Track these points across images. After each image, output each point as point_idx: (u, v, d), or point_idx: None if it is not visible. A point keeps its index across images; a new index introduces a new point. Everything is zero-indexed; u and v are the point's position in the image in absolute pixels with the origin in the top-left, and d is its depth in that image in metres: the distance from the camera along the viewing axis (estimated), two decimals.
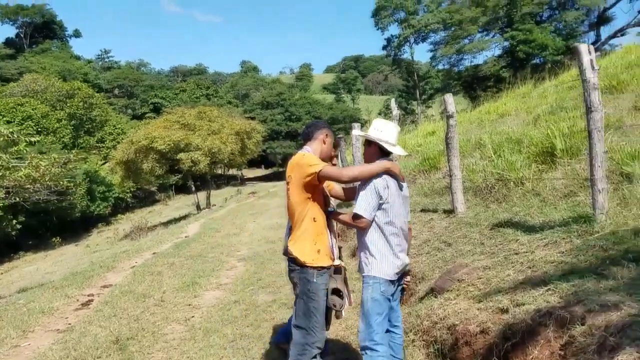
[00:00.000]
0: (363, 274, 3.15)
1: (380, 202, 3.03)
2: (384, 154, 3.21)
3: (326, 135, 3.35)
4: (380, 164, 3.07)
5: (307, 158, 3.14)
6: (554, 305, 3.03)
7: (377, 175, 3.04)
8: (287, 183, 3.23)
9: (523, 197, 5.48)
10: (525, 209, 5.09)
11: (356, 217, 3.05)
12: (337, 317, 3.30)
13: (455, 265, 4.44)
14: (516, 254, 4.07)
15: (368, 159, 3.26)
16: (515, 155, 6.42)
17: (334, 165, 3.45)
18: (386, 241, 3.09)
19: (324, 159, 3.23)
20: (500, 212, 5.32)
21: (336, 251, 3.22)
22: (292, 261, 3.17)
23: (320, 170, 3.01)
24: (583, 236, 3.83)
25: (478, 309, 3.59)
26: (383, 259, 3.08)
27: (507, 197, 5.71)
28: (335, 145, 3.23)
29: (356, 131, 3.41)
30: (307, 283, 3.10)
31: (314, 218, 3.13)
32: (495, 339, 3.25)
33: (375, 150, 3.22)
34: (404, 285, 3.34)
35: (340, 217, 3.25)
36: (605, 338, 2.50)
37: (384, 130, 3.21)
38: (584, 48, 3.90)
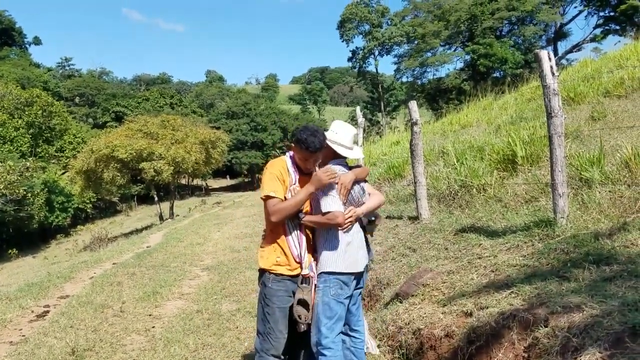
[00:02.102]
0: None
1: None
2: (339, 156, 3.14)
3: (292, 147, 3.15)
4: (308, 190, 2.94)
5: (267, 172, 3.06)
6: (518, 307, 3.05)
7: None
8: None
9: (486, 203, 5.56)
10: (488, 214, 5.16)
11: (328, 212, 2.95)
12: (298, 329, 3.04)
13: (420, 271, 4.45)
14: (480, 258, 4.11)
15: (322, 160, 3.12)
16: (477, 162, 6.53)
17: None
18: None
19: (305, 167, 3.07)
20: (464, 218, 5.39)
21: (306, 260, 3.05)
22: (259, 267, 3.17)
23: (264, 197, 2.99)
24: (545, 240, 3.89)
25: (443, 313, 3.60)
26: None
27: (470, 203, 5.79)
28: (310, 152, 3.07)
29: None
30: (263, 287, 3.09)
31: (274, 226, 3.08)
32: (460, 343, 3.25)
33: (328, 153, 3.11)
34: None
35: (310, 218, 3.04)
36: (568, 339, 2.52)
37: (339, 132, 3.15)
38: (544, 55, 3.99)
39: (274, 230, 3.07)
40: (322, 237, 3.05)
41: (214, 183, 63.27)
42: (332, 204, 2.92)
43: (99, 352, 4.86)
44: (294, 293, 3.05)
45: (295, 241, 3.05)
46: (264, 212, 3.07)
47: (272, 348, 3.01)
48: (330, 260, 3.00)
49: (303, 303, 2.98)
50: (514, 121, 8.44)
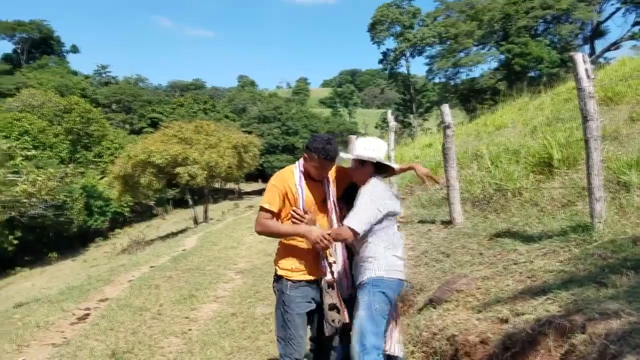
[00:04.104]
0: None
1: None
2: (379, 171, 3.16)
3: (304, 158, 3.15)
4: (296, 230, 3.02)
5: (270, 184, 3.13)
6: (554, 314, 3.01)
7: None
8: None
9: (521, 207, 5.47)
10: (523, 218, 5.09)
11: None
12: (328, 332, 3.16)
13: (454, 276, 4.42)
14: (515, 263, 4.06)
15: (361, 178, 3.15)
16: (512, 165, 6.43)
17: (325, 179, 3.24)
18: None
19: (315, 177, 3.12)
20: (499, 222, 5.32)
21: (327, 266, 3.11)
22: (275, 272, 3.24)
23: (260, 207, 3.09)
24: (582, 245, 3.82)
25: (477, 320, 3.57)
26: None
27: (505, 207, 5.71)
28: (328, 160, 3.11)
29: (345, 155, 3.32)
30: (281, 294, 3.14)
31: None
32: (495, 349, 3.22)
33: (369, 170, 3.13)
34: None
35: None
36: (606, 346, 2.48)
37: (375, 149, 3.14)
38: (579, 57, 3.92)
39: (291, 237, 3.13)
40: (366, 243, 3.07)
41: (247, 187, 63.89)
42: (356, 219, 2.95)
43: (138, 355, 4.99)
44: (312, 298, 3.12)
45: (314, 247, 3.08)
46: None
47: (295, 352, 3.09)
48: (375, 266, 3.02)
49: (334, 307, 3.03)
50: (550, 122, 8.28)
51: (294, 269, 3.11)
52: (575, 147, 5.79)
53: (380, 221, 3.02)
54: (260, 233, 3.13)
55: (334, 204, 3.20)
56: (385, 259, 3.04)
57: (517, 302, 3.40)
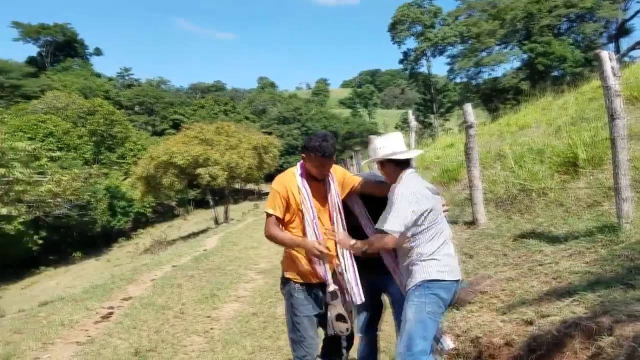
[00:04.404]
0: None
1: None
2: (401, 165, 2.96)
3: (303, 157, 3.08)
4: (298, 243, 3.01)
5: (272, 189, 3.13)
6: (580, 316, 2.97)
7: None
8: None
9: (546, 207, 5.40)
10: (548, 219, 5.01)
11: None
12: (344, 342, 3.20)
13: (477, 277, 4.38)
14: (540, 265, 4.00)
15: (391, 177, 2.98)
16: (537, 165, 6.35)
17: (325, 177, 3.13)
18: None
19: (317, 176, 3.05)
20: (523, 223, 5.25)
21: (329, 275, 3.00)
22: (282, 275, 3.24)
23: (266, 213, 3.09)
24: (608, 246, 3.75)
25: (502, 321, 3.53)
26: None
27: (529, 207, 5.63)
28: (326, 157, 2.95)
29: (365, 161, 3.29)
30: (289, 297, 3.13)
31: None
32: (520, 351, 3.18)
33: (392, 167, 2.96)
34: None
35: (366, 242, 2.94)
36: (634, 349, 2.43)
37: (387, 145, 2.97)
38: (605, 55, 3.86)
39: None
40: (411, 246, 2.87)
41: (266, 187, 64.02)
42: (393, 221, 2.75)
43: (161, 353, 5.04)
44: (320, 301, 3.07)
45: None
46: None
47: (307, 355, 3.07)
48: (425, 269, 2.83)
49: (341, 318, 2.96)
50: (574, 122, 8.13)
51: (300, 272, 3.08)
52: (601, 147, 5.68)
53: (420, 221, 2.80)
54: (268, 239, 3.14)
55: (338, 204, 3.10)
56: (434, 260, 2.83)
57: (543, 303, 3.36)
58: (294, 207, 3.04)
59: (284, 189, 3.05)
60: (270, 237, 3.09)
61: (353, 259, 3.06)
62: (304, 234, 3.03)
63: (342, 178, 3.18)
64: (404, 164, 2.95)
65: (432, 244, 2.84)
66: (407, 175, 2.90)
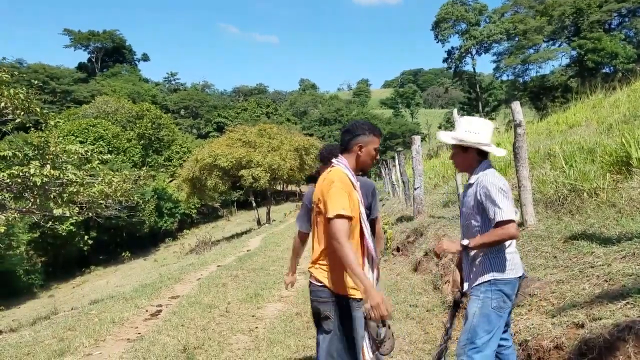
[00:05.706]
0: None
1: None
2: (483, 157, 2.86)
3: (359, 147, 2.75)
4: (366, 283, 2.39)
5: (332, 191, 2.57)
6: (634, 319, 2.85)
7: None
8: (317, 205, 2.75)
9: (598, 208, 5.21)
10: (600, 220, 4.84)
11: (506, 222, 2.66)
12: (385, 352, 2.66)
13: (526, 280, 4.26)
14: (592, 267, 3.87)
15: (466, 165, 2.91)
16: (588, 165, 6.13)
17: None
18: None
19: (362, 169, 2.81)
20: (574, 224, 5.08)
21: (373, 280, 2.77)
22: (324, 292, 2.71)
23: (332, 219, 2.48)
24: None
25: (552, 324, 3.43)
26: None
27: (580, 208, 5.45)
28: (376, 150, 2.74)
29: (445, 136, 2.93)
30: (348, 316, 2.70)
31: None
32: (570, 355, 3.09)
33: (473, 156, 2.85)
34: None
35: (482, 239, 2.75)
36: None
37: (480, 132, 2.81)
38: None
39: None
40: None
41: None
42: (510, 209, 2.66)
43: (208, 350, 5.13)
44: None
45: (366, 261, 2.77)
46: (327, 231, 2.57)
47: None
48: (490, 266, 2.79)
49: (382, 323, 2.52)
50: (627, 120, 7.83)
51: (355, 287, 2.59)
52: None
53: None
54: (336, 249, 2.47)
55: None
56: (499, 257, 2.78)
57: (594, 306, 3.25)
58: (355, 209, 2.65)
59: (347, 187, 2.64)
60: (341, 252, 2.43)
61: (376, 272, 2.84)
62: (362, 237, 2.71)
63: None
64: (485, 155, 2.88)
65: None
66: (490, 167, 2.85)
